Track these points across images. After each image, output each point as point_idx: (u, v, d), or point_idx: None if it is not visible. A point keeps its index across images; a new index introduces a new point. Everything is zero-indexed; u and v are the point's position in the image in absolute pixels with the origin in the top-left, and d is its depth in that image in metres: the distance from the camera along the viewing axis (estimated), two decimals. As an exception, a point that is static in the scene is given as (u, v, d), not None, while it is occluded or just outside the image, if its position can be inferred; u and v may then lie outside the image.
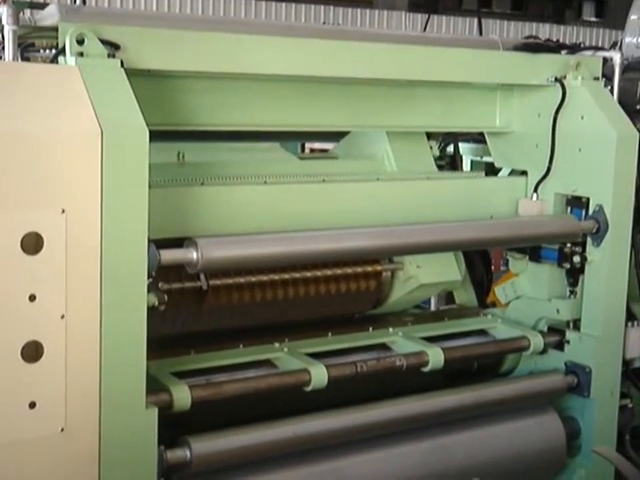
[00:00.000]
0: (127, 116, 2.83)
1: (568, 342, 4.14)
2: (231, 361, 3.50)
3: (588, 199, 4.07)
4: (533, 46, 4.21)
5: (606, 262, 4.05)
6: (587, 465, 4.14)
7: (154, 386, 3.07)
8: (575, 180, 4.10)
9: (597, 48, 4.43)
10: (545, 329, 4.21)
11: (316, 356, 3.63)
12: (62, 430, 2.78)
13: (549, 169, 4.15)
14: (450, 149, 5.00)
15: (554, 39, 4.83)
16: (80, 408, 2.80)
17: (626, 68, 4.42)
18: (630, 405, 4.37)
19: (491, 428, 3.95)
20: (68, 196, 2.71)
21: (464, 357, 3.96)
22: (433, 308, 4.69)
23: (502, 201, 4.26)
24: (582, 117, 4.06)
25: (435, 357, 3.75)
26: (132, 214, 2.82)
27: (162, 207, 3.12)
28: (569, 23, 27.60)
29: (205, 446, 3.17)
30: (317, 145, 7.08)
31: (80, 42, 2.91)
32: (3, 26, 2.84)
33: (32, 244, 2.67)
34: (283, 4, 18.37)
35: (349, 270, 3.89)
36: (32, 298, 2.69)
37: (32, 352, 2.72)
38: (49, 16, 3.16)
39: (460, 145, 4.94)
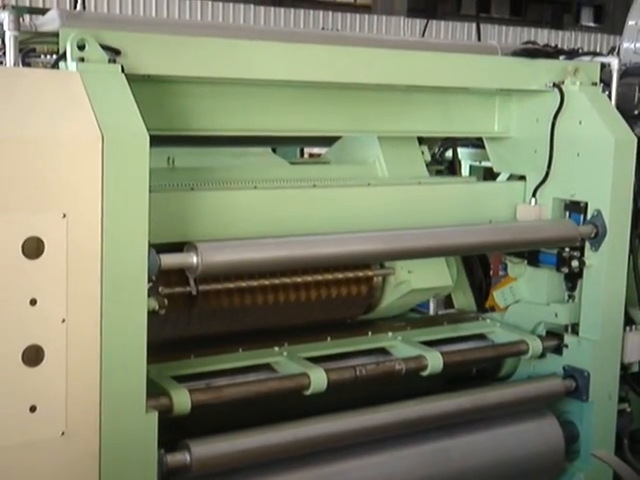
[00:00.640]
0: (128, 121, 2.84)
1: (566, 346, 4.15)
2: (231, 365, 3.51)
3: (586, 204, 4.08)
4: (531, 51, 4.23)
5: (604, 267, 4.06)
6: (586, 469, 4.15)
7: (154, 390, 3.08)
8: (573, 185, 4.11)
9: (595, 54, 4.45)
10: (544, 333, 4.22)
11: (315, 360, 3.64)
12: (63, 434, 2.80)
13: (547, 174, 4.16)
14: (449, 154, 5.02)
15: (552, 44, 4.85)
16: (80, 412, 2.82)
17: (624, 73, 4.44)
18: (628, 409, 4.38)
19: (490, 432, 3.96)
20: (69, 201, 2.73)
21: (463, 361, 3.97)
22: (432, 312, 4.69)
23: (500, 206, 4.27)
24: (580, 122, 4.07)
25: (434, 361, 3.76)
26: (133, 219, 2.83)
27: (152, 212, 3.11)
28: (567, 28, 27.64)
29: (205, 450, 3.19)
30: (316, 150, 7.08)
31: (81, 47, 2.93)
32: (4, 32, 2.85)
33: (33, 248, 2.69)
34: (282, 10, 18.41)
35: (340, 275, 3.88)
36: (33, 302, 2.71)
37: (33, 356, 2.73)
38: (50, 22, 3.18)
39: (459, 150, 4.95)
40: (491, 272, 4.93)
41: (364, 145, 4.23)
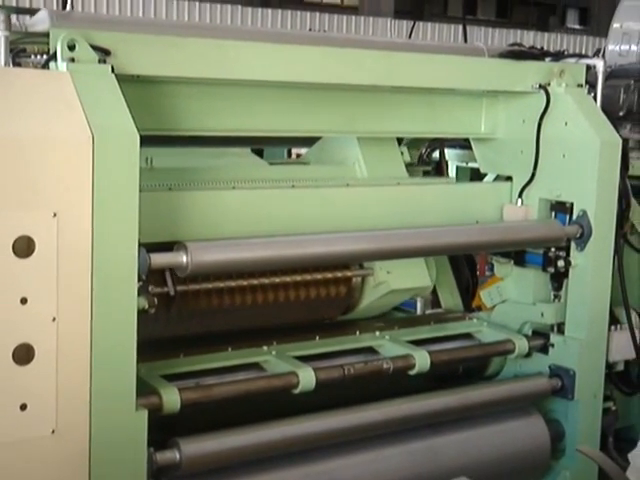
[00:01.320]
0: (118, 121, 2.86)
1: (552, 345, 4.18)
2: (220, 364, 3.52)
3: (572, 204, 4.12)
4: (518, 53, 4.27)
5: (590, 266, 4.10)
6: (571, 467, 4.19)
7: (144, 389, 3.10)
8: (559, 185, 4.15)
9: (581, 55, 4.49)
10: (530, 333, 4.25)
11: (304, 359, 3.65)
12: (53, 432, 2.81)
13: (534, 175, 4.20)
14: (436, 155, 5.05)
15: (538, 46, 4.89)
16: (71, 410, 2.83)
17: (609, 75, 4.50)
18: (613, 408, 4.42)
19: (477, 430, 3.99)
20: (60, 200, 2.74)
21: (450, 360, 4.00)
22: (419, 312, 4.71)
23: (487, 206, 4.30)
24: (566, 123, 4.11)
25: (421, 360, 3.79)
26: (123, 218, 2.85)
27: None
28: (553, 30, 27.76)
29: (195, 448, 3.20)
30: (304, 151, 7.09)
31: (71, 48, 2.94)
32: (-5, 32, 2.87)
33: (24, 247, 2.70)
34: (269, 10, 18.43)
35: (319, 276, 3.87)
36: (24, 301, 2.72)
37: (23, 354, 2.74)
38: (39, 22, 3.19)
39: (446, 151, 4.98)
40: (477, 272, 4.97)
41: (343, 146, 4.23)
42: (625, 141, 4.23)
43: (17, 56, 2.98)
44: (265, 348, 3.69)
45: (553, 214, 4.22)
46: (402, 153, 4.45)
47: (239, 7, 17.87)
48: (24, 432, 2.77)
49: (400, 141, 4.47)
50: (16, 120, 2.71)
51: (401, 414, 3.75)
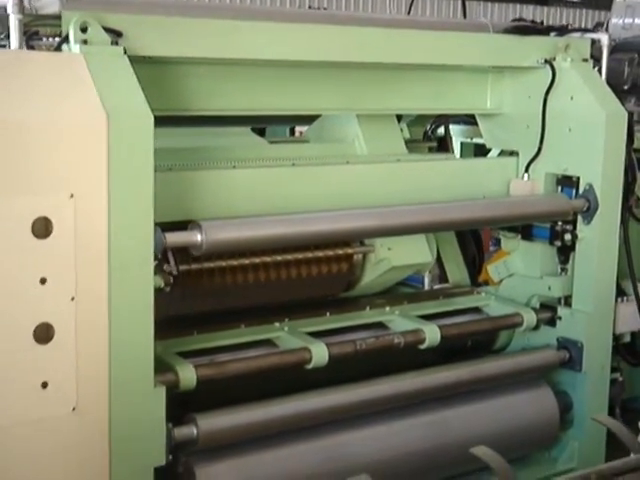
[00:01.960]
0: (132, 102, 2.89)
1: (560, 318, 4.23)
2: (233, 341, 3.57)
3: (578, 178, 4.15)
4: (523, 29, 4.27)
5: (596, 239, 4.14)
6: (580, 437, 4.26)
7: (160, 366, 3.13)
8: (565, 160, 4.18)
9: (585, 30, 4.51)
10: (537, 306, 4.29)
11: (315, 335, 3.70)
12: (73, 409, 2.86)
13: (540, 149, 4.23)
14: (441, 131, 5.08)
15: (538, 20, 4.90)
16: (91, 388, 2.88)
17: (613, 49, 4.51)
18: (620, 379, 4.47)
19: (487, 403, 4.05)
20: (76, 181, 2.77)
21: (460, 334, 4.04)
22: (426, 287, 4.75)
23: (494, 182, 4.32)
24: (572, 98, 4.13)
25: (432, 334, 3.84)
26: (138, 198, 2.88)
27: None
28: (552, 4, 27.59)
29: (211, 423, 3.25)
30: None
31: (83, 30, 2.96)
32: (8, 15, 2.89)
33: (42, 229, 2.74)
34: (268, -12, 18.34)
35: (321, 254, 3.88)
36: (43, 281, 2.76)
37: (43, 334, 2.78)
38: (49, 4, 3.20)
39: (450, 127, 5.01)
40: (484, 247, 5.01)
41: (343, 123, 4.24)
42: (630, 114, 4.25)
43: (30, 39, 3.00)
44: (277, 324, 3.73)
45: (559, 188, 4.25)
46: (402, 130, 4.47)
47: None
48: (46, 410, 2.82)
49: (400, 118, 4.48)
50: (32, 103, 2.74)
51: (413, 388, 3.80)
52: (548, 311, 4.25)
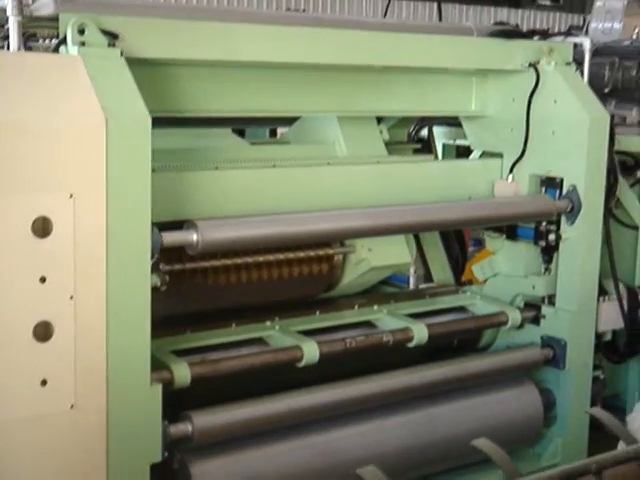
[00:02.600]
0: (130, 104, 2.93)
1: (544, 317, 4.30)
2: (226, 339, 3.61)
3: (562, 179, 4.22)
4: (507, 32, 4.36)
5: (580, 239, 4.22)
6: (563, 434, 4.34)
7: (155, 364, 3.16)
8: (549, 161, 4.25)
9: (567, 34, 4.60)
10: (522, 305, 4.37)
11: (306, 334, 3.75)
12: (72, 407, 2.89)
13: (524, 151, 4.29)
14: (424, 133, 5.14)
15: (512, 23, 4.97)
16: (89, 385, 2.91)
17: (594, 53, 4.58)
18: (602, 376, 4.55)
19: (473, 400, 4.11)
20: (75, 182, 2.81)
21: (447, 333, 4.11)
22: (412, 287, 4.82)
23: (478, 183, 4.39)
24: (555, 101, 4.21)
25: (419, 333, 3.90)
26: (136, 198, 2.92)
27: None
28: (525, 7, 27.77)
29: (205, 420, 3.29)
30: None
31: (81, 32, 2.99)
32: (8, 17, 2.91)
33: (42, 228, 2.77)
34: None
35: (302, 254, 3.91)
36: (42, 280, 2.79)
37: (43, 332, 2.82)
38: (44, 6, 3.23)
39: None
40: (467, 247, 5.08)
41: (323, 125, 4.27)
42: (611, 117, 4.34)
43: (28, 40, 3.03)
44: (268, 323, 3.78)
45: (543, 189, 4.32)
46: (381, 132, 4.51)
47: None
48: (44, 407, 2.85)
49: (380, 120, 4.53)
50: (32, 104, 2.77)
51: (400, 385, 3.86)
52: (532, 310, 4.33)
